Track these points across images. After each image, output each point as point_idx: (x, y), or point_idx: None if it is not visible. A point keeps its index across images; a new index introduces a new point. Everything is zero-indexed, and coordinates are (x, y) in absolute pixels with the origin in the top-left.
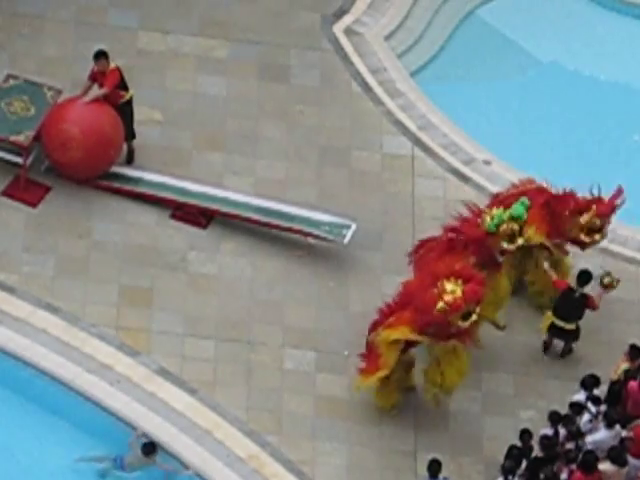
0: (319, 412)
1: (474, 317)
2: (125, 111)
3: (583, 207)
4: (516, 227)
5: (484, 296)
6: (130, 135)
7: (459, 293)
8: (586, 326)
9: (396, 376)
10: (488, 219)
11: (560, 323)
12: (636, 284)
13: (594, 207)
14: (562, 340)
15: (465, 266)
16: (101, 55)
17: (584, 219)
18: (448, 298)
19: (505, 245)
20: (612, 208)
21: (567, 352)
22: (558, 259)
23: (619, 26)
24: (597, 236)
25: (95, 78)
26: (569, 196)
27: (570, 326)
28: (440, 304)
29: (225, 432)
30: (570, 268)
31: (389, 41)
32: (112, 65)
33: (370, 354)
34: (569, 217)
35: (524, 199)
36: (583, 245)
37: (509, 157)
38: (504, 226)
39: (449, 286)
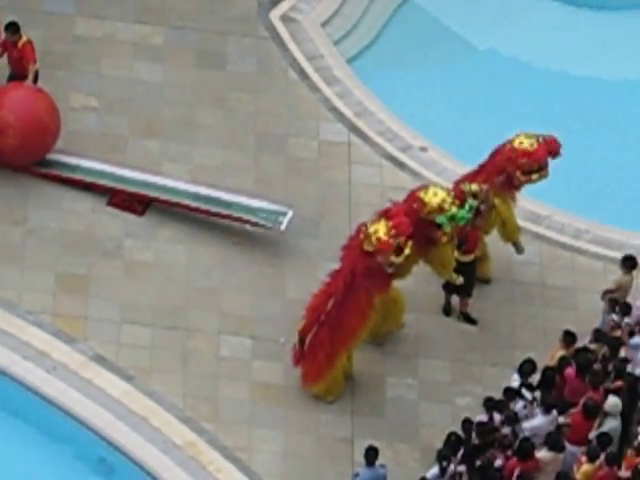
0: (255, 399)
1: (407, 251)
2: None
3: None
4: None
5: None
6: None
7: (384, 229)
8: (522, 312)
9: (341, 368)
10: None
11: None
12: (572, 271)
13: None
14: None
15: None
16: (13, 26)
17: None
18: (375, 237)
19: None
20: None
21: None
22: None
23: (553, 13)
24: (534, 176)
25: (5, 47)
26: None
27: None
28: (371, 239)
29: (162, 419)
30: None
31: (326, 28)
32: (25, 38)
33: (312, 357)
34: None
35: (471, 202)
36: (519, 182)
37: (445, 144)
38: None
39: (372, 227)
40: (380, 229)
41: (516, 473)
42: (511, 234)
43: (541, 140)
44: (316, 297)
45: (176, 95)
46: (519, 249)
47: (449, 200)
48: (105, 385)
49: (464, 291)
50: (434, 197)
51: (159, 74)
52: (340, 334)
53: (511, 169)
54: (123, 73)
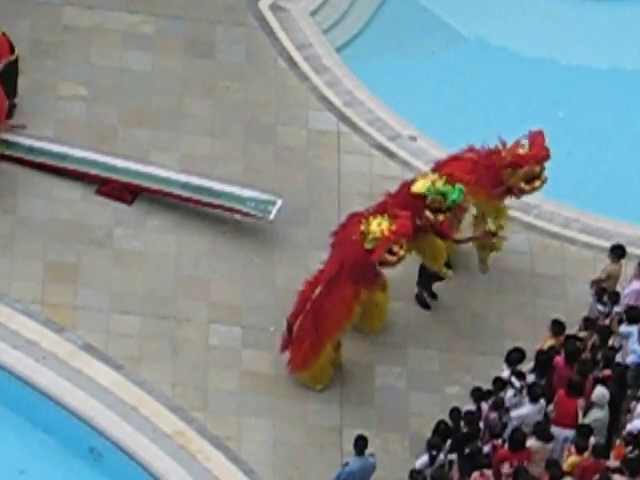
0: (245, 388)
1: (401, 252)
2: (11, 71)
3: (520, 161)
4: (443, 203)
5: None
6: (13, 93)
7: (386, 226)
8: (511, 301)
9: (327, 358)
10: (423, 183)
11: None
12: (561, 260)
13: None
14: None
15: (389, 204)
16: None
17: (524, 170)
18: (376, 230)
19: (429, 215)
20: (546, 152)
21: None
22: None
23: (542, 2)
24: (537, 183)
25: None
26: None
27: None
28: (370, 237)
29: (151, 408)
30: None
31: (315, 17)
32: None
33: (298, 345)
34: (506, 171)
35: (460, 186)
36: (522, 193)
37: (435, 133)
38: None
39: (374, 222)
40: (383, 224)
41: (506, 466)
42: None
43: (528, 141)
44: (306, 285)
45: (165, 84)
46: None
47: (439, 182)
48: (94, 374)
49: (436, 277)
50: (422, 181)
51: (148, 63)
52: (324, 324)
53: (512, 181)
54: (112, 62)
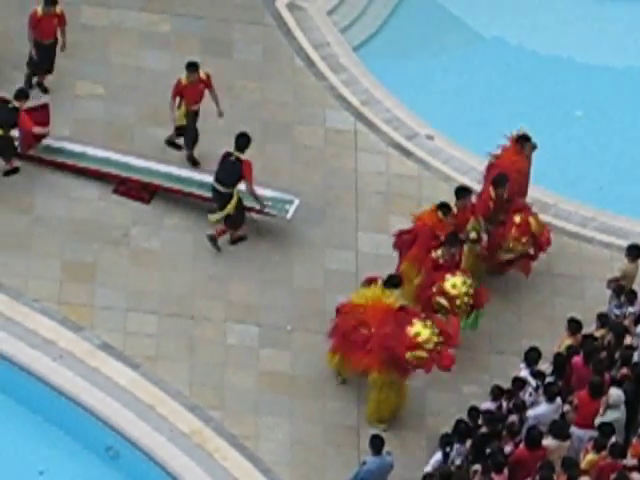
0: (262, 387)
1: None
2: None
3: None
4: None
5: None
6: None
7: (429, 349)
8: (529, 301)
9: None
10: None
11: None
12: (579, 259)
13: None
14: None
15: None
16: None
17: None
18: (419, 355)
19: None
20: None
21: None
22: None
23: (559, 1)
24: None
25: None
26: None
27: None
28: (409, 355)
29: (168, 407)
30: None
31: (332, 16)
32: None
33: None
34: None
35: (479, 313)
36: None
37: (451, 132)
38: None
39: (418, 326)
40: (431, 339)
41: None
42: None
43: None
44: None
45: None
46: None
47: (459, 302)
48: (112, 373)
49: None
50: (452, 289)
51: (165, 62)
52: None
53: None
54: (129, 61)
